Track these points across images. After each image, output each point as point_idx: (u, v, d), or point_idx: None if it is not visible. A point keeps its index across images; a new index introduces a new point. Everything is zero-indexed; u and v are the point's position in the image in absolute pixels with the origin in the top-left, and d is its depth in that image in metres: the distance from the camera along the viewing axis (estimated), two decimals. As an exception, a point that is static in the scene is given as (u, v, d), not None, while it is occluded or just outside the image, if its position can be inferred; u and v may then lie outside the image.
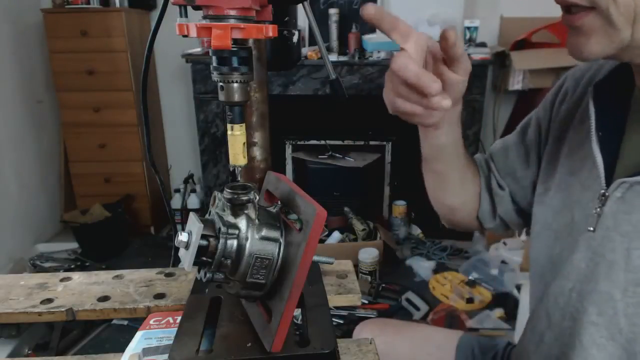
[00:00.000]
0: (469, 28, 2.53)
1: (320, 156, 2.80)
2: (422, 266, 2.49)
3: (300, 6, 0.64)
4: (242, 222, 0.51)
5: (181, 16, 0.50)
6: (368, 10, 0.50)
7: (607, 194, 0.57)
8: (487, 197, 0.80)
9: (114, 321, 1.99)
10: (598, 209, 0.57)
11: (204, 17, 0.49)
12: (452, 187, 0.78)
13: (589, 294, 0.57)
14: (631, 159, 0.57)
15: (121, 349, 0.57)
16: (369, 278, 2.30)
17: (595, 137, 0.59)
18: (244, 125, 0.54)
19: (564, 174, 0.66)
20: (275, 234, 0.52)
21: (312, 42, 2.55)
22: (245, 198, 0.51)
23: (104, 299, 0.70)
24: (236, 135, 0.54)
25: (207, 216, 0.54)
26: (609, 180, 0.57)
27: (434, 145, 0.70)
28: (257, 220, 0.52)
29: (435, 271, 2.45)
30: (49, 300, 0.69)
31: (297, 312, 0.57)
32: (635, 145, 0.58)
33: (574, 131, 0.66)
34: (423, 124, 0.61)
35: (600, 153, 0.58)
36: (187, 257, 0.49)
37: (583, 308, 0.58)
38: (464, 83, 0.57)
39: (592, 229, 0.58)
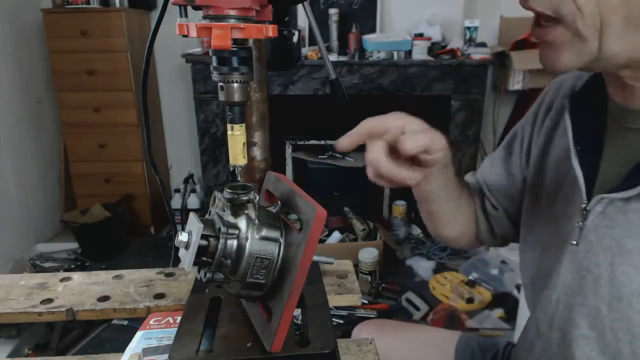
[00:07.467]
0: (469, 28, 2.53)
1: (320, 156, 2.80)
2: (422, 266, 2.49)
3: (300, 6, 0.64)
4: (242, 222, 0.51)
5: (181, 16, 0.50)
6: (341, 145, 0.58)
7: (588, 208, 0.57)
8: (483, 219, 0.81)
9: (114, 321, 1.99)
10: (580, 223, 0.58)
11: (204, 17, 0.49)
12: (448, 222, 0.78)
13: (578, 307, 0.57)
14: (610, 172, 0.57)
15: (121, 349, 0.57)
16: (369, 278, 2.30)
17: (574, 152, 0.59)
18: (244, 125, 0.54)
19: (550, 186, 0.66)
20: (275, 234, 0.52)
21: (312, 42, 2.55)
22: (245, 198, 0.51)
23: (104, 299, 0.70)
24: (236, 135, 0.54)
25: (207, 216, 0.54)
26: (589, 195, 0.57)
27: (421, 191, 0.70)
28: (257, 220, 0.52)
29: (435, 271, 2.45)
30: (49, 300, 0.69)
31: (297, 312, 0.57)
32: (614, 159, 0.57)
33: (557, 143, 0.67)
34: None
35: (580, 167, 0.58)
36: (187, 257, 0.49)
37: (572, 321, 0.58)
38: (439, 154, 0.58)
39: (575, 242, 0.58)
